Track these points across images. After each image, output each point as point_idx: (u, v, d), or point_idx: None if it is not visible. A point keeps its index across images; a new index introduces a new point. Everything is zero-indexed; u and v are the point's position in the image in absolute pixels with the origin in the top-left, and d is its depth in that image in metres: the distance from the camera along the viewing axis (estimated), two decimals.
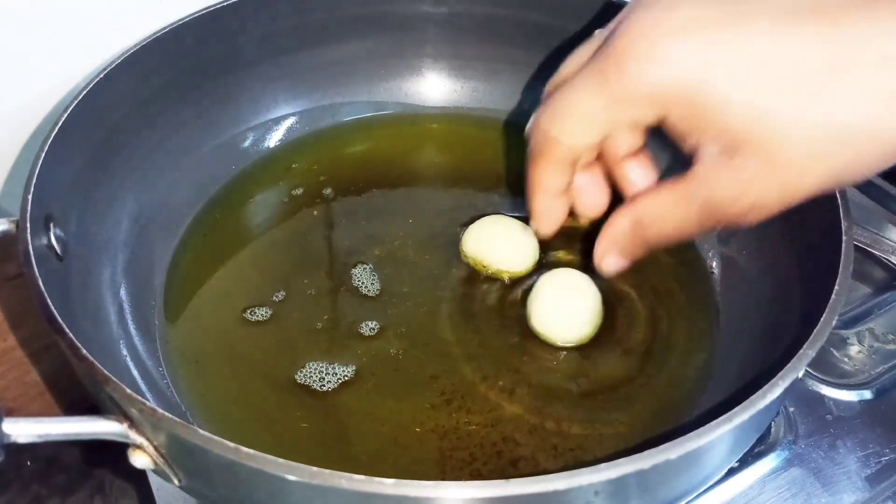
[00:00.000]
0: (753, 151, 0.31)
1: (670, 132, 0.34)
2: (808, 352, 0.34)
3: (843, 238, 0.39)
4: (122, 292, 0.47)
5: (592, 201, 0.41)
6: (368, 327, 0.48)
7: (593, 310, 0.47)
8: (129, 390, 0.32)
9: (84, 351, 0.33)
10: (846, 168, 0.32)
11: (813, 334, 0.35)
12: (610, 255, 0.39)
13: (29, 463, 0.65)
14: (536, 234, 0.42)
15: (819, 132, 0.31)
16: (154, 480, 0.48)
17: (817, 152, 0.31)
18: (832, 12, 0.30)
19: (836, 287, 0.37)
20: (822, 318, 0.36)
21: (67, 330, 0.34)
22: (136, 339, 0.46)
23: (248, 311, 0.48)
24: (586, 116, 0.35)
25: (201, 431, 0.30)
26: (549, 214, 0.40)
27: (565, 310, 0.47)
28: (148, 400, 0.32)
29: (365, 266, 0.51)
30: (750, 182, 0.32)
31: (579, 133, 0.36)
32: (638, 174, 0.38)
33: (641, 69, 0.32)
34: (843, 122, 0.30)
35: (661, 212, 0.36)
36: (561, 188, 0.39)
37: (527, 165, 0.39)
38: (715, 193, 0.33)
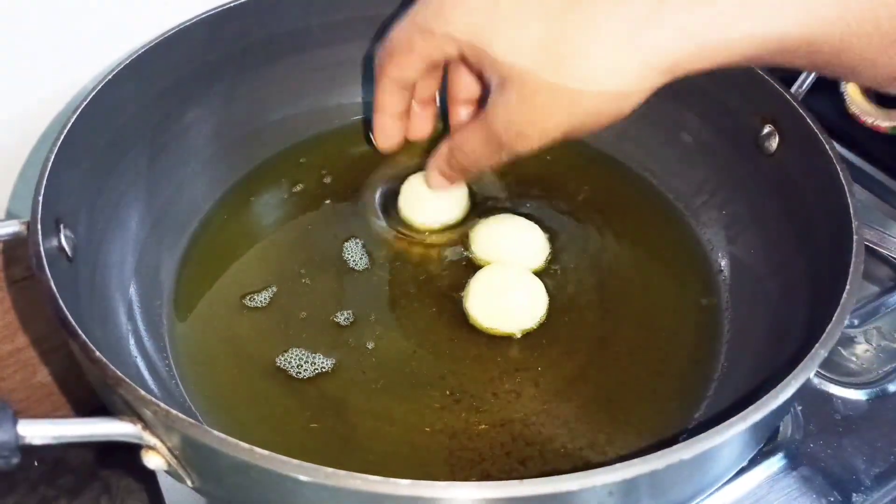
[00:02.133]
0: (513, 83, 0.38)
1: (471, 69, 0.42)
2: (820, 351, 0.35)
3: (854, 238, 0.39)
4: (132, 292, 0.47)
5: (418, 126, 0.49)
6: (374, 328, 0.48)
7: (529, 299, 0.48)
8: (142, 392, 0.32)
9: (97, 353, 0.33)
10: (588, 107, 0.37)
11: (825, 334, 0.35)
12: (435, 176, 0.47)
13: (36, 464, 0.65)
14: (377, 148, 0.50)
15: (561, 67, 0.36)
16: (164, 481, 0.48)
17: (560, 86, 0.36)
18: None
19: (848, 286, 0.37)
20: (833, 318, 0.36)
21: (80, 332, 0.34)
22: (146, 339, 0.46)
23: (251, 304, 0.49)
24: (405, 46, 0.42)
25: (215, 433, 0.30)
26: (385, 131, 0.48)
27: (506, 300, 0.48)
28: (160, 400, 0.32)
29: (370, 263, 0.51)
30: (514, 111, 0.38)
31: (403, 62, 0.43)
32: (465, 114, 0.47)
33: (445, 14, 0.39)
34: (577, 61, 0.36)
35: (466, 140, 0.43)
36: (396, 110, 0.47)
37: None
38: (493, 123, 0.40)
